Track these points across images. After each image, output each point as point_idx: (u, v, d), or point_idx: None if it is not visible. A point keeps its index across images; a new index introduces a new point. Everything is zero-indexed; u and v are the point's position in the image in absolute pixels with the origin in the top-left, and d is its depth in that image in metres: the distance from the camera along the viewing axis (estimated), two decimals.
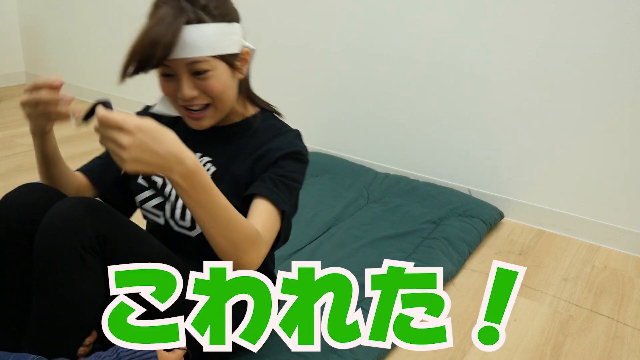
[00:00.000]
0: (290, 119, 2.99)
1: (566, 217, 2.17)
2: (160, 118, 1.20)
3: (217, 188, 0.95)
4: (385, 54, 2.41)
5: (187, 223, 1.17)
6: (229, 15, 1.08)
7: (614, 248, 2.10)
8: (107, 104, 0.90)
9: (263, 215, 1.05)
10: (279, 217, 1.09)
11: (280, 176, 1.11)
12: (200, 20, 1.02)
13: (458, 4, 2.18)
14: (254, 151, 1.16)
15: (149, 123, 0.86)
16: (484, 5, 2.13)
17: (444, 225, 2.02)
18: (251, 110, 1.24)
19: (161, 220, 1.21)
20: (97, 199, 1.06)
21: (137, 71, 1.03)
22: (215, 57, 1.06)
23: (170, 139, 0.88)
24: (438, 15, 2.24)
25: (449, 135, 2.35)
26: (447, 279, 1.76)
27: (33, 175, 2.44)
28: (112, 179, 1.29)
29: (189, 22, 1.01)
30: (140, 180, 1.23)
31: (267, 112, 1.26)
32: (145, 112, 1.31)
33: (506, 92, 2.17)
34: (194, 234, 1.18)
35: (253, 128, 1.20)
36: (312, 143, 2.73)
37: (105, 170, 1.30)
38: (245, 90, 1.23)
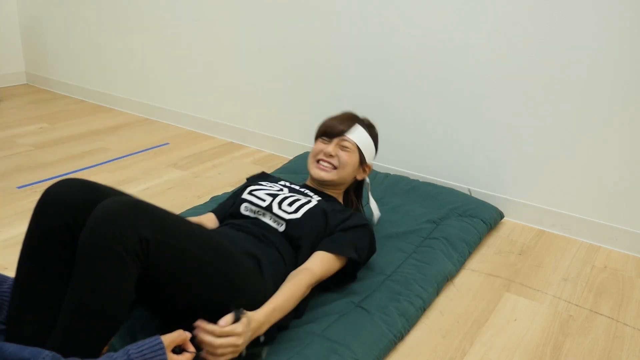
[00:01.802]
0: (290, 119, 3.00)
1: (566, 217, 2.17)
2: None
3: (274, 304, 1.25)
4: (385, 54, 2.41)
5: (292, 209, 1.49)
6: (376, 143, 1.77)
7: (614, 248, 2.10)
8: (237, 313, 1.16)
9: (320, 259, 1.45)
10: (337, 258, 1.48)
11: (350, 240, 1.52)
12: (364, 128, 1.72)
13: (458, 4, 2.18)
14: (342, 212, 1.60)
15: (245, 322, 1.14)
16: (483, 5, 2.13)
17: (444, 225, 2.02)
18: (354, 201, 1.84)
19: (265, 203, 1.51)
20: (142, 201, 1.10)
21: (324, 136, 1.69)
22: (358, 148, 1.69)
23: (253, 319, 1.18)
24: (438, 15, 2.24)
25: (449, 135, 2.35)
26: (447, 279, 1.76)
27: (33, 175, 2.44)
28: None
29: (359, 124, 1.72)
30: (262, 182, 1.63)
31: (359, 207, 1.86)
32: (259, 174, 1.81)
33: (506, 92, 2.17)
34: (282, 228, 1.46)
35: (344, 204, 1.78)
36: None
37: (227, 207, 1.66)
38: (354, 189, 1.82)
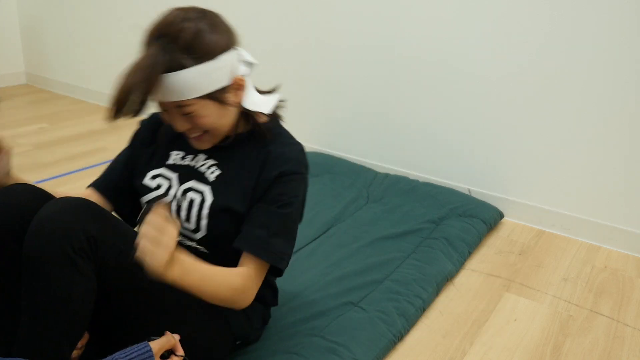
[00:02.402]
0: (290, 119, 2.99)
1: (566, 217, 2.17)
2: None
3: (201, 264, 1.04)
4: (385, 54, 2.41)
5: (192, 225, 1.18)
6: (216, 49, 1.08)
7: (614, 248, 2.10)
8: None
9: (251, 269, 1.14)
10: (263, 269, 1.16)
11: (279, 207, 1.16)
12: (180, 66, 1.03)
13: (458, 4, 2.18)
14: (259, 158, 1.19)
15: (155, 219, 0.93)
16: (484, 5, 2.13)
17: (444, 225, 2.02)
18: (261, 118, 1.24)
19: None
20: (86, 198, 1.04)
21: (118, 114, 1.02)
22: (198, 97, 1.07)
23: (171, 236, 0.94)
24: (438, 15, 2.24)
25: (448, 135, 2.35)
26: (447, 279, 1.76)
27: (33, 175, 2.44)
28: (119, 187, 1.31)
29: (169, 70, 1.02)
30: (147, 182, 1.24)
31: (275, 120, 1.27)
32: (153, 117, 1.33)
33: (506, 92, 2.17)
34: (198, 236, 1.18)
35: (258, 136, 1.22)
36: (312, 143, 2.73)
37: (111, 181, 1.34)
38: (245, 110, 1.20)
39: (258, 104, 1.22)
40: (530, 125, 2.16)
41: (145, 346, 0.99)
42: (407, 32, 2.33)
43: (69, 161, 2.64)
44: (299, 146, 1.23)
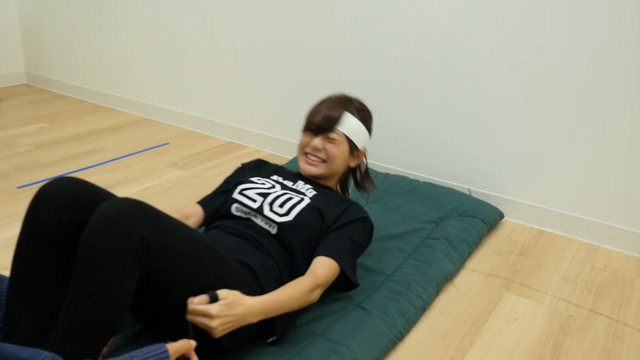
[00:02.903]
0: (290, 119, 2.99)
1: (566, 217, 2.17)
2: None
3: (275, 296, 1.25)
4: (385, 53, 2.41)
5: (284, 210, 1.44)
6: (368, 126, 1.64)
7: (614, 248, 2.10)
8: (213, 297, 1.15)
9: (325, 266, 1.39)
10: (338, 268, 1.42)
11: (350, 238, 1.47)
12: (353, 115, 1.58)
13: (458, 3, 2.18)
14: (338, 205, 1.55)
15: (225, 303, 1.14)
16: (483, 4, 2.13)
17: (444, 225, 2.02)
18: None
19: (256, 204, 1.46)
20: (142, 201, 1.09)
21: (311, 130, 1.57)
22: (346, 137, 1.57)
23: (241, 304, 1.17)
24: (438, 14, 2.24)
25: (448, 135, 2.35)
26: (447, 279, 1.76)
27: (33, 175, 2.44)
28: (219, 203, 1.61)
29: (348, 110, 1.57)
30: (255, 179, 1.56)
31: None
32: (254, 161, 1.75)
33: (506, 92, 2.17)
34: (283, 219, 1.42)
35: (341, 191, 1.71)
36: None
37: (215, 200, 1.62)
38: (347, 176, 1.72)
39: (363, 177, 1.73)
40: (530, 125, 2.16)
41: (162, 347, 1.00)
42: (407, 32, 2.33)
43: (69, 161, 2.64)
44: (367, 217, 1.59)
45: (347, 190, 1.75)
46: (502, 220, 2.27)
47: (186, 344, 1.06)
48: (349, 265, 1.44)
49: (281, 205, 1.45)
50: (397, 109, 2.45)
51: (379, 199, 2.23)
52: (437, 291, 1.70)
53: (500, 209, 2.27)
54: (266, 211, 1.45)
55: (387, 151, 2.52)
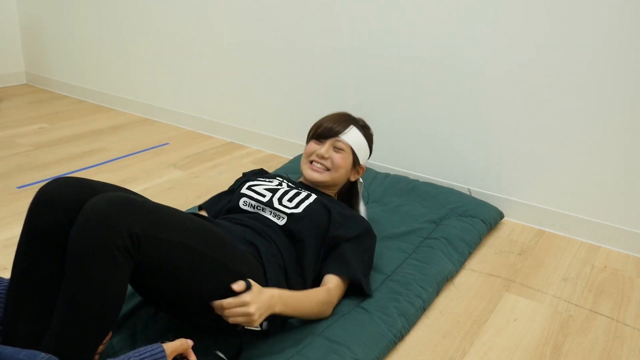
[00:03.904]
0: (290, 119, 2.99)
1: (566, 217, 2.17)
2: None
3: (297, 296, 1.31)
4: (385, 54, 2.41)
5: (293, 204, 1.49)
6: (370, 144, 1.74)
7: (614, 248, 2.10)
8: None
9: (335, 284, 1.48)
10: (347, 282, 1.52)
11: (358, 251, 1.54)
12: (358, 129, 1.68)
13: (458, 3, 2.18)
14: (341, 207, 1.62)
15: (255, 291, 1.18)
16: (483, 4, 2.13)
17: (444, 225, 2.02)
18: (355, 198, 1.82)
19: (265, 199, 1.51)
20: (130, 196, 1.09)
21: (318, 138, 1.66)
22: (352, 150, 1.66)
23: (265, 291, 1.22)
24: (438, 15, 2.24)
25: (449, 135, 2.35)
26: (447, 279, 1.76)
27: (33, 175, 2.44)
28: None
29: (354, 125, 1.68)
30: (261, 178, 1.63)
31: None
32: (255, 170, 1.80)
33: (506, 92, 2.17)
34: (293, 211, 1.46)
35: (341, 202, 1.72)
36: None
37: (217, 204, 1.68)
38: (347, 190, 1.80)
39: (362, 207, 1.82)
40: (530, 125, 2.16)
41: (159, 347, 1.00)
42: (407, 33, 2.33)
43: (69, 161, 2.64)
44: (373, 231, 1.65)
45: (356, 204, 1.82)
46: (502, 220, 2.27)
47: (183, 343, 1.06)
48: (365, 281, 1.53)
49: (290, 200, 1.51)
50: (397, 109, 2.45)
51: (379, 199, 2.23)
52: (437, 291, 1.70)
53: (500, 209, 2.27)
54: (276, 204, 1.50)
55: (387, 151, 2.52)
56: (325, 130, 1.64)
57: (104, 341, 1.17)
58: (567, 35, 2.00)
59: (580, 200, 2.14)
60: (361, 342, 1.37)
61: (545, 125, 2.13)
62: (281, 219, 1.46)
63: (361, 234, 1.56)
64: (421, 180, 2.39)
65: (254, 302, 1.15)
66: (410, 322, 1.53)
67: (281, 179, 1.66)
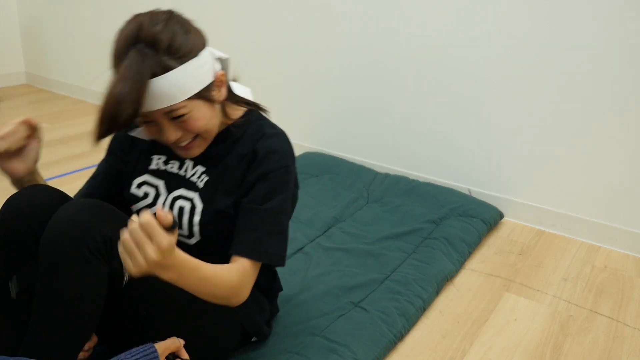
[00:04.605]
0: (290, 119, 2.99)
1: (566, 217, 2.17)
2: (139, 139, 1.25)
3: (199, 267, 1.00)
4: (385, 54, 2.41)
5: (185, 232, 1.18)
6: (195, 48, 1.05)
7: (614, 248, 2.10)
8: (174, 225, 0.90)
9: (247, 267, 1.12)
10: (258, 265, 1.15)
11: (268, 205, 1.14)
12: (166, 69, 1.01)
13: (458, 4, 2.18)
14: (244, 156, 1.18)
15: (173, 242, 0.89)
16: (484, 5, 2.13)
17: (444, 225, 2.02)
18: (237, 112, 1.23)
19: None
20: (102, 201, 1.05)
21: (109, 131, 1.01)
22: (189, 98, 1.05)
23: (178, 256, 0.94)
24: (438, 15, 2.24)
25: (449, 135, 2.35)
26: (447, 279, 1.76)
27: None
28: (106, 196, 1.26)
29: (154, 75, 1.00)
30: (134, 191, 1.23)
31: (254, 111, 1.26)
32: (124, 135, 1.28)
33: (506, 92, 2.17)
34: (192, 242, 1.19)
35: (240, 132, 1.21)
36: (312, 143, 2.73)
37: (95, 195, 1.27)
38: (225, 102, 1.20)
39: (242, 94, 1.23)
40: (530, 125, 2.16)
41: (151, 346, 1.00)
42: (408, 33, 2.33)
43: (69, 161, 2.64)
44: (281, 136, 1.22)
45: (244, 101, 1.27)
46: (502, 220, 2.27)
47: (175, 342, 1.06)
48: (268, 253, 1.14)
49: (179, 227, 1.18)
50: (397, 110, 2.45)
51: (379, 199, 2.23)
52: (437, 291, 1.70)
53: (500, 209, 2.27)
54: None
55: (387, 151, 2.52)
56: (125, 119, 0.99)
57: (86, 347, 1.15)
58: (568, 36, 2.00)
59: (580, 200, 2.14)
60: (361, 342, 1.37)
61: (546, 126, 2.13)
62: (189, 246, 1.19)
63: (271, 171, 1.16)
64: (421, 180, 2.39)
65: (164, 252, 0.87)
66: (410, 322, 1.53)
67: (159, 166, 1.23)
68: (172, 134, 1.08)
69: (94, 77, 3.60)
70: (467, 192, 2.35)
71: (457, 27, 2.21)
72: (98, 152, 2.76)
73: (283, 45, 2.71)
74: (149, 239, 0.86)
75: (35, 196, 1.09)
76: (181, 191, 1.19)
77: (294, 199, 1.23)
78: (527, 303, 1.72)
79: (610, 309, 1.73)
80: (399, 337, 1.47)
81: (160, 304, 1.12)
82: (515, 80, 2.14)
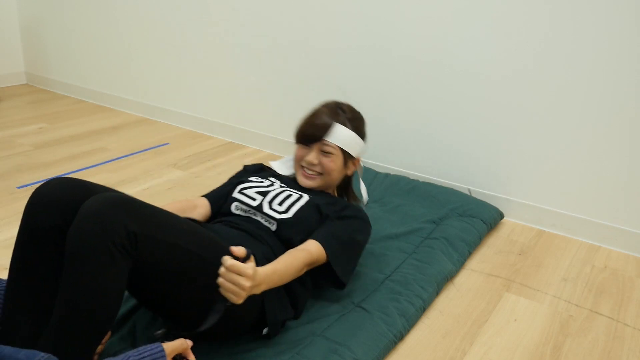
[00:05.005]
0: (290, 119, 2.99)
1: (566, 217, 2.17)
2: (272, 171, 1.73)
3: (274, 269, 1.22)
4: (385, 54, 2.41)
5: (283, 208, 1.47)
6: (361, 133, 1.63)
7: (614, 248, 2.10)
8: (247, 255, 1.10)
9: (316, 249, 1.40)
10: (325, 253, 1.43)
11: (347, 232, 1.50)
12: (345, 125, 1.58)
13: (458, 4, 2.18)
14: (336, 203, 1.58)
15: (253, 266, 1.10)
16: (484, 5, 2.13)
17: (444, 225, 2.02)
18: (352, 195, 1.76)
19: (255, 202, 1.49)
20: (127, 194, 1.09)
21: (303, 142, 1.58)
22: (340, 149, 1.57)
23: (260, 273, 1.14)
24: (438, 15, 2.24)
25: (449, 135, 2.35)
26: (447, 279, 1.76)
27: (33, 175, 2.44)
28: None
29: (339, 123, 1.56)
30: (253, 177, 1.60)
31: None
32: (257, 166, 1.75)
33: (506, 92, 2.17)
34: (283, 217, 1.45)
35: (338, 198, 1.67)
36: None
37: (220, 193, 1.63)
38: (345, 183, 1.73)
39: (363, 188, 1.78)
40: (530, 126, 2.16)
41: (158, 346, 1.00)
42: (408, 33, 2.33)
43: (69, 161, 2.64)
44: (363, 210, 1.62)
45: (347, 196, 1.75)
46: (502, 220, 2.27)
47: (183, 343, 1.07)
48: (339, 260, 1.44)
49: (280, 203, 1.48)
50: (397, 110, 2.45)
51: (379, 199, 2.23)
52: (437, 291, 1.70)
53: (500, 209, 2.27)
54: (265, 209, 1.47)
55: (387, 151, 2.52)
56: (309, 135, 1.56)
57: (103, 341, 1.17)
58: (568, 36, 2.00)
59: (580, 200, 2.14)
60: (361, 342, 1.37)
61: (546, 126, 2.13)
62: (272, 224, 1.45)
63: (352, 216, 1.54)
64: (421, 180, 2.39)
65: (252, 278, 1.07)
66: (410, 322, 1.53)
67: (274, 179, 1.62)
68: (313, 158, 1.56)
69: (94, 77, 3.60)
70: (467, 192, 2.35)
71: (456, 28, 2.21)
72: (98, 152, 2.76)
73: (283, 44, 2.70)
74: (238, 274, 1.05)
75: (60, 189, 1.13)
76: (293, 190, 1.55)
77: (363, 245, 1.57)
78: (527, 303, 1.72)
79: (610, 309, 1.73)
80: (399, 337, 1.47)
81: (183, 305, 1.18)
82: (515, 80, 2.14)
